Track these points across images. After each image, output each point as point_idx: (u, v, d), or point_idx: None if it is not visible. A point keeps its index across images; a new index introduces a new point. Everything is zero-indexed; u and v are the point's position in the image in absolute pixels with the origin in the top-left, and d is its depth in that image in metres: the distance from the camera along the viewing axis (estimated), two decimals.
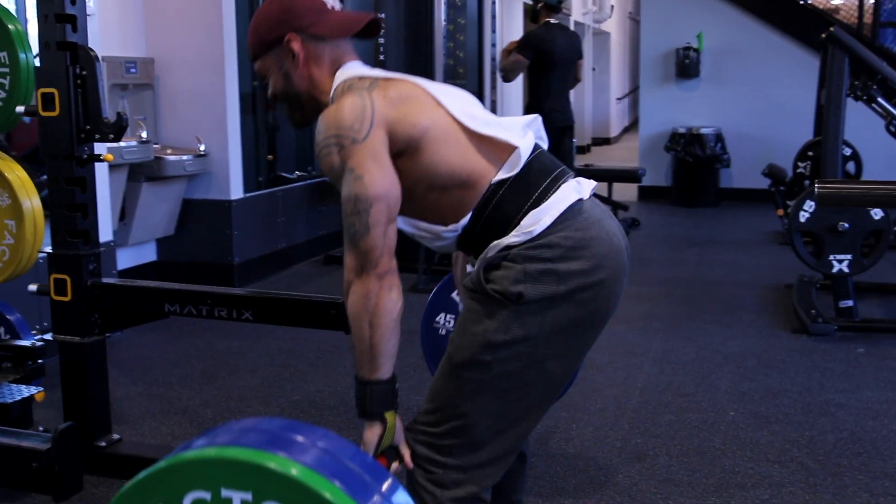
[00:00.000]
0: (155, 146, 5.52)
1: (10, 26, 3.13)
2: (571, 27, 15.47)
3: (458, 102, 1.88)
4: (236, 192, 5.79)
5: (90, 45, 4.31)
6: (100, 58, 2.96)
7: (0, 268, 3.26)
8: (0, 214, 3.21)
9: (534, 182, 1.85)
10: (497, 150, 1.85)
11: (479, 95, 6.95)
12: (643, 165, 9.43)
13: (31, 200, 3.19)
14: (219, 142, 5.67)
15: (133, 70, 5.50)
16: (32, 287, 3.05)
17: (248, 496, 1.33)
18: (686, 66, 9.65)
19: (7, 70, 3.15)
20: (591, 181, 1.98)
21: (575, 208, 1.84)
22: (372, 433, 1.78)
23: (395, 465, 1.83)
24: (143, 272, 5.69)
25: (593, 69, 17.02)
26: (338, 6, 2.03)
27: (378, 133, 1.76)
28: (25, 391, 2.94)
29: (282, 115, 7.05)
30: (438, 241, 1.91)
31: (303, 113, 2.00)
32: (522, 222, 1.81)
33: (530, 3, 12.64)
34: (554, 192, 1.84)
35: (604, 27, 17.51)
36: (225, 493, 1.32)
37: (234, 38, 5.70)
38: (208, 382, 4.10)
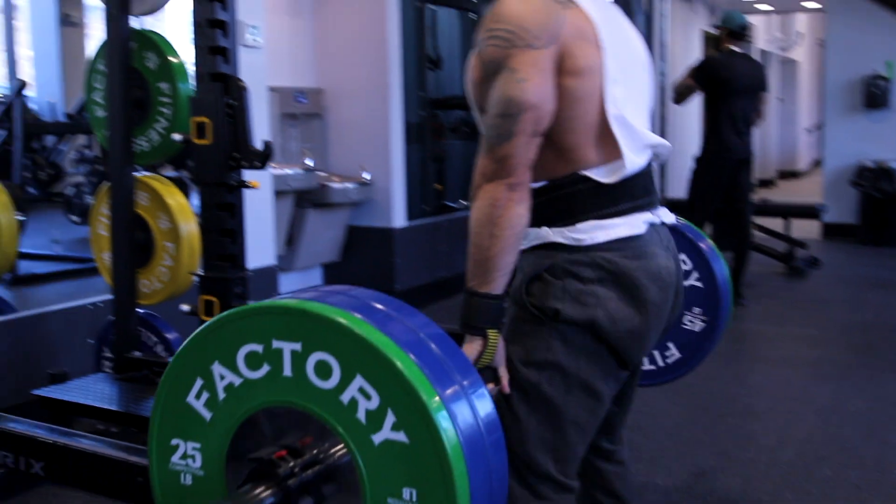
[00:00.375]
0: (322, 174, 5.69)
1: (171, 59, 3.31)
2: (756, 56, 14.97)
3: (619, 68, 1.78)
4: (399, 220, 5.87)
5: (258, 76, 4.51)
6: (248, 88, 3.03)
7: (160, 288, 3.44)
8: (160, 237, 3.39)
9: (614, 198, 1.79)
10: (608, 146, 1.78)
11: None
12: (827, 201, 8.97)
13: (189, 225, 3.34)
14: (383, 170, 5.78)
15: (303, 100, 5.69)
16: (185, 307, 3.17)
17: (298, 346, 1.35)
18: (874, 95, 9.12)
19: (169, 100, 3.33)
20: (671, 216, 1.93)
21: (638, 238, 1.78)
22: (471, 348, 1.71)
23: (490, 386, 1.75)
24: None
25: (781, 99, 16.39)
26: None
27: (553, 51, 1.70)
28: None
29: (449, 145, 7.14)
30: None
31: None
32: (578, 225, 1.76)
33: (711, 30, 12.34)
34: (627, 215, 1.79)
35: (791, 55, 16.85)
36: (276, 343, 1.35)
37: (398, 70, 5.81)
38: None
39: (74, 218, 7.46)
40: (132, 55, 3.28)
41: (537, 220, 1.79)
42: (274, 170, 5.07)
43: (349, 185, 5.56)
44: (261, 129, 4.68)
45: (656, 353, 2.73)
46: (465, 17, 7.37)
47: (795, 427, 3.87)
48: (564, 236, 1.76)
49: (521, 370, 1.78)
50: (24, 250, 6.31)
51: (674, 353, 2.70)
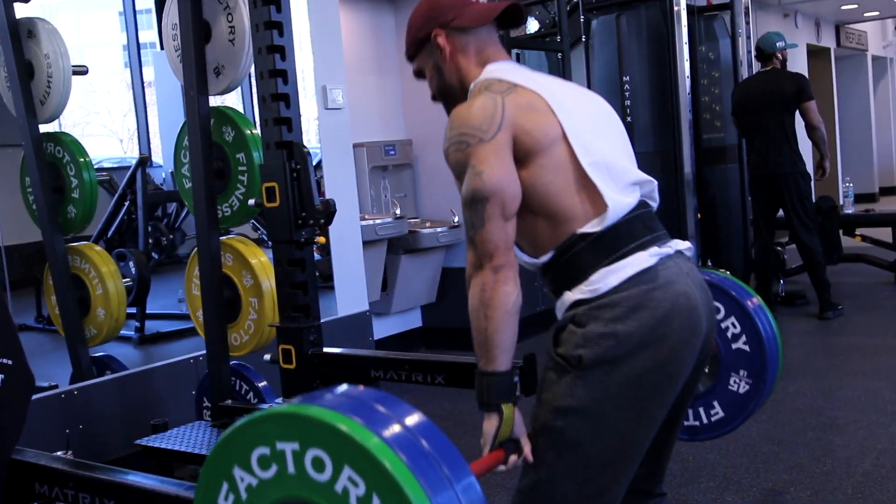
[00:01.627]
0: (415, 220, 5.96)
1: (246, 131, 3.63)
2: (868, 62, 14.56)
3: (581, 123, 1.92)
4: None
5: (343, 134, 4.80)
6: (311, 152, 3.30)
7: (248, 340, 3.75)
8: (245, 293, 3.69)
9: (615, 244, 1.88)
10: (593, 197, 1.89)
11: (738, 147, 6.79)
12: None
13: (269, 281, 3.63)
14: None
15: (392, 152, 5.98)
16: (267, 357, 3.45)
17: (296, 445, 1.47)
18: None
19: (245, 168, 3.64)
20: (684, 243, 2.00)
21: (649, 271, 1.86)
22: (489, 424, 1.85)
23: (513, 458, 1.86)
24: (409, 338, 6.11)
25: None
26: None
27: (504, 135, 1.85)
28: None
29: None
30: (524, 264, 1.97)
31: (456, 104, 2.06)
32: (591, 278, 1.86)
33: (815, 44, 12.11)
34: (632, 255, 1.88)
35: None
36: (279, 445, 1.48)
37: None
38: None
39: None
40: (212, 130, 3.62)
41: (559, 288, 1.93)
42: (364, 221, 5.36)
43: (439, 230, 5.80)
44: (348, 182, 4.99)
45: (701, 409, 2.71)
46: (553, 57, 7.56)
47: (876, 437, 3.85)
48: (582, 291, 1.87)
49: (548, 417, 1.88)
50: (151, 311, 6.82)
51: (718, 411, 2.67)
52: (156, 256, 8.02)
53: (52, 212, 4.11)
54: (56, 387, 4.05)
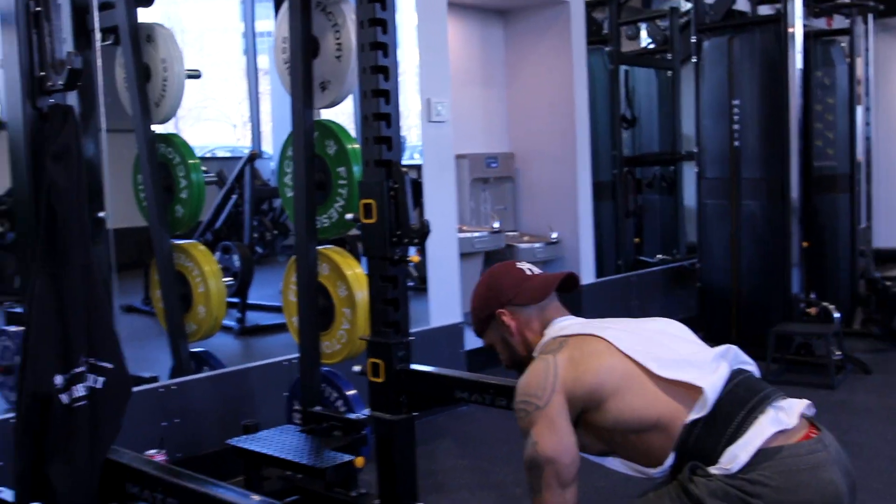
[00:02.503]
0: (513, 234, 5.98)
1: (348, 146, 3.70)
2: None
3: (639, 344, 2.01)
4: (587, 276, 6.05)
5: (445, 147, 4.85)
6: (409, 173, 3.36)
7: (339, 349, 3.83)
8: (339, 304, 3.77)
9: (726, 417, 1.91)
10: (685, 390, 1.95)
11: (850, 177, 6.59)
12: None
13: (364, 293, 3.70)
14: (572, 229, 5.99)
15: (494, 164, 6.01)
16: (356, 368, 3.52)
17: None
18: None
19: (346, 182, 3.72)
20: (802, 402, 1.99)
21: (774, 448, 1.86)
22: None
23: None
24: None
25: None
26: (536, 270, 2.34)
27: (557, 399, 1.98)
28: (344, 458, 3.38)
29: (646, 200, 7.26)
30: (652, 479, 2.03)
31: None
32: (721, 459, 1.88)
33: None
34: (749, 426, 1.89)
35: None
36: None
37: (586, 132, 6.02)
38: None
39: None
40: (315, 143, 3.71)
41: (697, 468, 1.93)
42: (462, 233, 5.41)
43: (536, 245, 5.81)
44: (447, 194, 5.04)
45: None
46: (662, 75, 7.48)
47: None
48: (719, 469, 1.89)
49: None
50: (252, 301, 7.02)
51: None
52: (259, 251, 8.24)
53: (162, 210, 4.28)
54: (157, 379, 4.23)
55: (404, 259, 3.36)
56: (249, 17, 11.29)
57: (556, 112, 6.00)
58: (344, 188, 3.71)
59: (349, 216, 3.47)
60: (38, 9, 2.39)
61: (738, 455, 1.85)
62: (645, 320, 2.25)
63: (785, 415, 1.92)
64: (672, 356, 2.00)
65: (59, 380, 2.31)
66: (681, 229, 7.48)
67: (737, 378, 1.98)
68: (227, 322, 6.26)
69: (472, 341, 5.87)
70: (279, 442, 3.46)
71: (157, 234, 4.28)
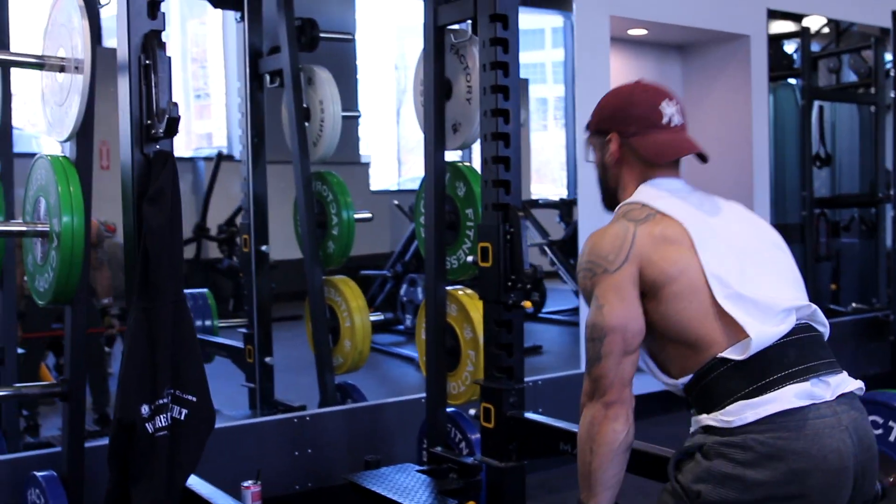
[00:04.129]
0: None
1: (476, 188, 3.71)
2: None
3: (720, 257, 1.83)
4: None
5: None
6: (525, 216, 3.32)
7: (464, 390, 3.83)
8: (465, 345, 3.77)
9: (759, 372, 1.75)
10: (736, 327, 1.79)
11: None
12: None
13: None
14: None
15: None
16: (472, 412, 3.50)
17: None
18: None
19: (473, 224, 3.72)
20: (853, 382, 1.81)
21: (794, 414, 1.70)
22: None
23: None
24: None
25: None
26: (677, 120, 2.05)
27: (629, 269, 1.83)
28: (450, 503, 3.36)
29: (842, 244, 6.81)
30: (665, 384, 1.91)
31: (608, 202, 2.10)
32: (728, 408, 1.75)
33: None
34: (777, 389, 1.73)
35: None
36: None
37: (766, 171, 5.73)
38: None
39: None
40: (447, 184, 3.74)
41: (697, 410, 1.85)
42: None
43: None
44: None
45: None
46: (865, 110, 7.02)
47: None
48: (717, 419, 1.78)
49: None
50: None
51: None
52: None
53: (315, 246, 4.44)
54: (305, 408, 4.39)
55: (518, 304, 3.33)
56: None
57: (735, 151, 5.74)
58: (471, 230, 3.72)
59: (469, 258, 3.47)
60: (148, 62, 2.56)
61: (744, 412, 1.72)
62: (745, 219, 1.99)
63: (823, 389, 1.74)
64: (744, 288, 1.80)
65: (145, 409, 2.44)
66: (882, 276, 6.94)
67: (797, 335, 1.79)
68: (410, 353, 6.41)
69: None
70: (393, 480, 3.49)
71: (310, 268, 4.44)
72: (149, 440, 2.44)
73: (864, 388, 1.86)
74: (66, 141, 2.95)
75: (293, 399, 4.55)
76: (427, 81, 3.69)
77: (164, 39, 2.58)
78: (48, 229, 2.85)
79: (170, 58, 2.58)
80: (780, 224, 6.09)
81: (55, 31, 3.01)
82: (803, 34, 6.34)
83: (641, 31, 5.51)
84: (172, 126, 2.50)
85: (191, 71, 10.44)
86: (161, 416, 2.46)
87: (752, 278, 1.83)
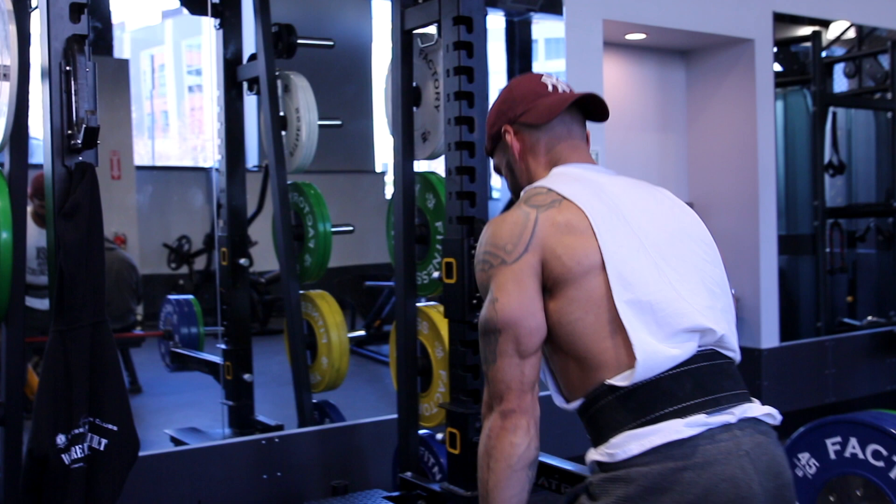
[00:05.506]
0: None
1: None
2: None
3: (632, 249, 1.63)
4: (769, 340, 5.48)
5: None
6: None
7: (436, 412, 3.64)
8: (437, 364, 3.59)
9: (648, 405, 1.56)
10: (626, 346, 1.58)
11: None
12: None
13: None
14: (752, 286, 5.47)
15: None
16: (439, 436, 3.32)
17: None
18: None
19: (443, 237, 3.54)
20: (761, 408, 1.62)
21: (684, 443, 1.51)
22: None
23: None
24: None
25: None
26: (562, 87, 1.92)
27: (529, 258, 1.65)
28: None
29: (857, 255, 6.54)
30: (560, 406, 1.73)
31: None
32: (612, 440, 1.56)
33: None
34: (665, 420, 1.54)
35: None
36: None
37: (771, 180, 5.50)
38: None
39: None
40: (416, 196, 3.56)
41: (591, 441, 1.67)
42: None
43: None
44: None
45: None
46: (882, 116, 6.75)
47: None
48: (601, 454, 1.60)
49: None
50: None
51: None
52: None
53: (292, 259, 4.28)
54: (282, 427, 4.23)
55: None
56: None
57: (739, 159, 5.51)
58: (441, 244, 3.53)
59: (435, 274, 3.29)
60: (69, 68, 2.41)
61: (629, 443, 1.53)
62: (662, 205, 1.79)
63: (723, 417, 1.55)
64: (645, 293, 1.60)
65: (61, 439, 2.28)
66: None
67: (697, 364, 1.59)
68: None
69: None
70: None
71: (286, 281, 4.28)
72: (64, 472, 2.27)
73: (776, 414, 1.66)
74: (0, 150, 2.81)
75: (276, 417, 4.39)
76: (395, 88, 3.52)
77: (86, 45, 2.43)
78: None
79: (93, 64, 2.42)
80: (792, 235, 5.87)
81: None
82: (814, 38, 6.10)
83: (640, 36, 5.31)
84: (90, 136, 2.34)
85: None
86: (77, 447, 2.29)
87: (662, 280, 1.63)
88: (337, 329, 4.21)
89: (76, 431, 2.29)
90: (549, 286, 1.64)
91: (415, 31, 3.46)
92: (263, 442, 3.80)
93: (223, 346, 4.57)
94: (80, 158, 2.44)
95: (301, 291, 4.32)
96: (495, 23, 7.63)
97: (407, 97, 3.49)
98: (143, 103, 11.09)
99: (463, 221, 3.12)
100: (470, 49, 3.10)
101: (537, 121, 1.86)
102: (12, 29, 2.64)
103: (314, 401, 4.34)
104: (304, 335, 4.28)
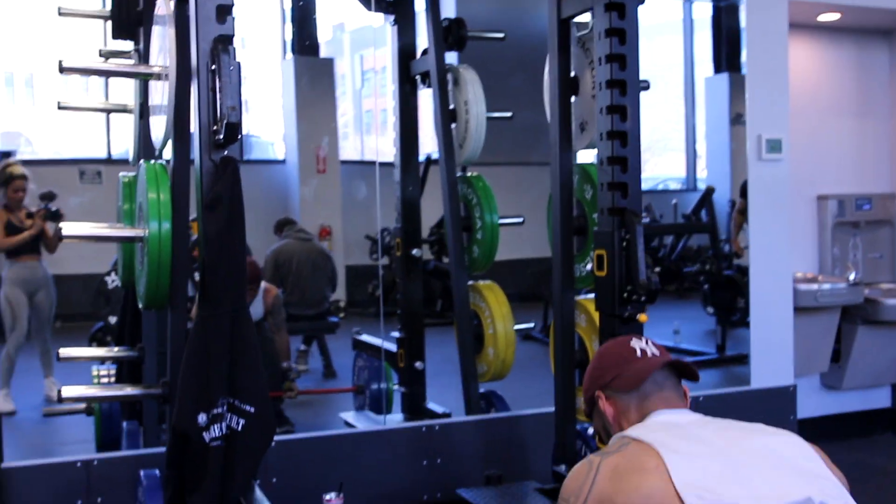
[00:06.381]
0: (890, 286, 5.18)
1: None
2: None
3: (699, 469, 1.64)
4: None
5: (781, 187, 4.51)
6: (641, 223, 3.02)
7: None
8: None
9: None
10: None
11: None
12: None
13: None
14: None
15: (867, 206, 5.25)
16: (591, 430, 3.25)
17: None
18: None
19: None
20: None
21: None
22: None
23: None
24: (873, 418, 5.32)
25: None
26: (651, 350, 2.03)
27: None
28: None
29: None
30: None
31: None
32: None
33: None
34: None
35: None
36: None
37: None
38: None
39: (709, 310, 7.84)
40: (575, 187, 3.50)
41: None
42: (805, 284, 4.80)
43: None
44: (779, 240, 4.50)
45: None
46: None
47: None
48: None
49: None
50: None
51: None
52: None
53: (460, 250, 4.32)
54: (450, 415, 4.29)
55: (632, 318, 3.04)
56: (689, 57, 11.17)
57: None
58: None
59: (588, 266, 3.22)
60: (214, 67, 2.52)
61: None
62: (756, 432, 1.80)
63: None
64: (726, 498, 1.59)
65: (202, 418, 2.39)
66: None
67: None
68: None
69: (832, 405, 5.18)
70: (503, 499, 3.31)
71: (455, 271, 4.32)
72: (203, 450, 2.39)
73: None
74: (162, 148, 2.99)
75: (449, 406, 4.45)
76: (552, 77, 3.47)
77: (233, 45, 2.53)
78: (143, 234, 2.89)
79: (239, 63, 2.52)
80: None
81: (158, 41, 3.06)
82: None
83: (834, 16, 4.96)
84: (231, 131, 2.44)
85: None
86: (216, 426, 2.41)
87: (740, 483, 1.63)
88: (503, 320, 4.21)
89: (215, 411, 2.41)
90: None
91: (573, 20, 3.39)
92: (424, 429, 3.85)
93: (397, 335, 4.67)
94: (226, 153, 2.54)
95: (470, 282, 4.35)
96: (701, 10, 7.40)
97: (564, 86, 3.43)
98: (363, 102, 11.45)
99: (614, 213, 3.04)
100: (622, 36, 3.02)
101: (626, 387, 1.95)
102: (171, 32, 2.79)
103: (481, 390, 4.37)
104: (473, 325, 4.31)
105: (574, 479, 1.79)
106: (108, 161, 8.36)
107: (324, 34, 11.31)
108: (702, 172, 10.99)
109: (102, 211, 6.54)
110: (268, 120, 11.33)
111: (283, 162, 10.64)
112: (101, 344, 5.58)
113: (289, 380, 5.75)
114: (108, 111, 5.11)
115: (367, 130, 11.17)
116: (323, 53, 10.42)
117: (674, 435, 1.76)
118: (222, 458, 2.42)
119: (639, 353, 2.01)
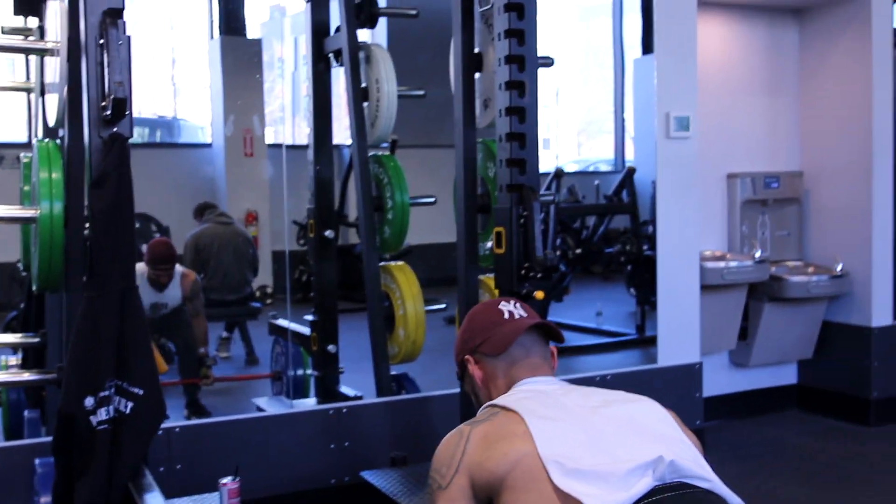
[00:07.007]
0: (795, 264, 5.30)
1: None
2: None
3: (561, 437, 1.69)
4: (880, 318, 5.14)
5: (688, 165, 4.59)
6: (541, 199, 3.04)
7: None
8: None
9: None
10: None
11: None
12: None
13: None
14: (863, 260, 5.14)
15: (774, 185, 5.35)
16: None
17: None
18: None
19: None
20: None
21: None
22: None
23: None
24: (779, 395, 5.44)
25: None
26: (518, 312, 2.08)
27: (459, 481, 1.75)
28: None
29: None
30: None
31: None
32: None
33: None
34: None
35: None
36: None
37: (888, 147, 5.13)
38: None
39: (631, 291, 7.94)
40: (478, 165, 3.51)
41: None
42: (713, 262, 4.88)
43: (812, 279, 5.06)
44: (685, 219, 4.56)
45: None
46: None
47: None
48: None
49: None
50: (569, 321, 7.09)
51: None
52: (563, 269, 8.05)
53: (371, 231, 4.30)
54: (361, 398, 4.28)
55: (529, 295, 3.06)
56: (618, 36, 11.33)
57: (854, 124, 5.16)
58: None
59: (488, 245, 3.24)
60: (102, 41, 2.46)
61: None
62: (615, 401, 1.84)
63: None
64: (585, 463, 1.63)
65: (89, 401, 2.35)
66: None
67: (660, 495, 1.58)
68: None
69: (740, 382, 5.29)
70: (406, 479, 3.31)
71: (367, 253, 4.31)
72: (90, 434, 2.35)
73: None
74: (55, 126, 2.92)
75: (363, 389, 4.44)
76: (456, 53, 3.47)
77: (122, 19, 2.47)
78: (34, 215, 2.82)
79: (128, 37, 2.46)
80: None
81: (53, 16, 2.99)
82: None
83: None
84: (119, 107, 2.39)
85: None
86: (104, 409, 2.37)
87: (599, 448, 1.68)
88: (413, 300, 4.21)
89: (103, 394, 2.37)
90: (488, 494, 1.72)
91: None
92: (331, 412, 3.83)
93: (310, 318, 4.64)
94: (116, 129, 2.49)
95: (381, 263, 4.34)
96: None
97: (467, 63, 3.44)
98: (301, 86, 11.34)
99: (513, 189, 3.05)
100: (520, 10, 3.02)
101: (493, 351, 2.00)
102: (63, 6, 2.73)
103: (396, 373, 4.37)
104: (384, 307, 4.30)
105: (445, 448, 1.82)
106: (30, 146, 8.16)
107: (261, 15, 11.12)
108: (631, 154, 11.15)
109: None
110: (197, 103, 11.15)
111: (209, 146, 10.49)
112: (17, 332, 5.47)
113: (205, 366, 5.70)
114: (13, 90, 5.00)
115: (305, 115, 11.05)
116: (260, 35, 10.25)
117: (540, 403, 1.81)
118: (110, 443, 2.38)
119: (506, 315, 2.05)
